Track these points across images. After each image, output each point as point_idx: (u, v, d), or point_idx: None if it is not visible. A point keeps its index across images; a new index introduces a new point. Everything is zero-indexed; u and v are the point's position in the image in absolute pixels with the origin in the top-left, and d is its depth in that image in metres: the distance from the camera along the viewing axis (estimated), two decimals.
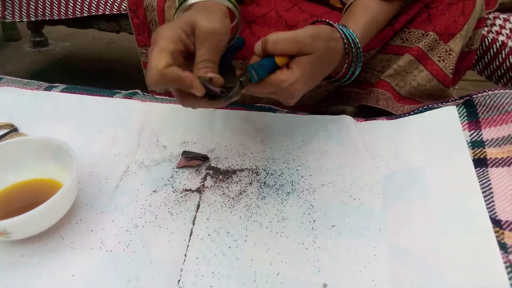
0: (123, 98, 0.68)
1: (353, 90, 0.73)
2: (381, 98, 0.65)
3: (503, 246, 0.43)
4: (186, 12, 0.48)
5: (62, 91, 0.69)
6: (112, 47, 1.97)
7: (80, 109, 0.66)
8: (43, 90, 0.69)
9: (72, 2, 1.03)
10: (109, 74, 1.70)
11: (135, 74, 0.82)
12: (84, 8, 1.03)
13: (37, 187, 0.54)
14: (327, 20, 0.53)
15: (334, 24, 0.52)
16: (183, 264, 0.47)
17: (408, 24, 0.63)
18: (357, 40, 0.53)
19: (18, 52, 1.89)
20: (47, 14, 1.05)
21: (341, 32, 0.51)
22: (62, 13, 1.04)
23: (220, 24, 0.45)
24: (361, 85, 0.71)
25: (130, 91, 0.70)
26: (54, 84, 0.71)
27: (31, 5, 1.05)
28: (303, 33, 0.46)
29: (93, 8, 1.03)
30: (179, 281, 0.45)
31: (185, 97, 0.45)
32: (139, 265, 0.47)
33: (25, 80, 0.73)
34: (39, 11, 1.06)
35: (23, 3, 1.05)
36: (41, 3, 1.04)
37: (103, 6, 1.02)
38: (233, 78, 0.46)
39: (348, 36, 0.52)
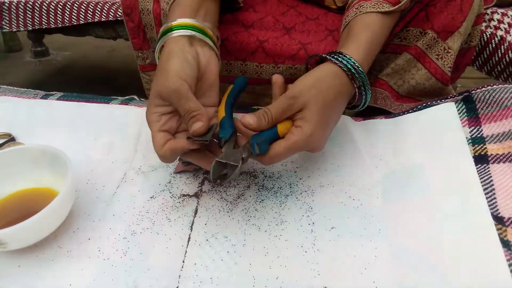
0: (119, 104, 0.67)
1: None
2: (379, 97, 0.65)
3: (506, 244, 0.42)
4: (153, 82, 0.50)
5: (58, 99, 0.69)
6: (112, 55, 1.98)
7: (76, 117, 0.66)
8: (40, 98, 0.69)
9: (69, 10, 1.04)
10: (111, 82, 1.71)
11: (136, 81, 0.82)
12: (81, 15, 1.04)
13: (33, 196, 0.54)
14: (323, 55, 0.52)
15: (331, 58, 0.50)
16: (181, 270, 0.46)
17: (405, 23, 0.62)
18: (358, 65, 0.50)
19: (19, 63, 1.90)
20: (43, 22, 1.05)
21: (339, 63, 0.50)
22: (58, 21, 1.05)
23: (177, 78, 0.47)
24: None
25: (127, 97, 0.70)
26: (51, 93, 0.71)
27: (27, 15, 1.06)
28: (293, 90, 0.48)
29: (89, 16, 1.03)
30: (177, 287, 0.45)
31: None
32: (136, 273, 0.46)
33: (22, 89, 0.73)
34: (35, 20, 1.06)
35: (19, 12, 1.06)
36: (38, 12, 1.05)
37: (99, 13, 1.02)
38: (234, 150, 0.47)
39: (348, 65, 0.50)
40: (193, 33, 0.52)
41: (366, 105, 0.55)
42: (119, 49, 1.99)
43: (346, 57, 0.50)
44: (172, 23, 0.52)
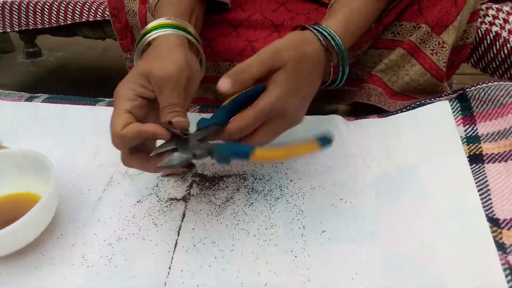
0: (106, 106, 0.66)
1: (345, 88, 0.71)
2: (373, 94, 0.63)
3: (501, 247, 0.41)
4: (140, 60, 0.47)
5: (43, 101, 0.67)
6: (106, 55, 1.96)
7: (62, 119, 0.65)
8: (25, 101, 0.68)
9: (56, 10, 1.02)
10: (104, 82, 1.68)
11: None
12: (68, 16, 1.02)
13: (16, 202, 0.52)
14: (303, 25, 0.50)
15: (308, 26, 0.48)
16: (167, 277, 0.45)
17: (399, 17, 0.61)
18: (333, 33, 0.48)
19: (12, 64, 1.88)
20: (30, 23, 1.04)
21: (314, 31, 0.48)
22: (45, 22, 1.03)
23: (174, 66, 0.44)
24: (353, 83, 0.69)
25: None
26: (36, 95, 0.69)
27: (14, 15, 1.04)
28: (264, 52, 0.44)
29: (77, 16, 1.01)
30: None
31: (132, 157, 0.44)
32: (121, 280, 0.45)
33: (6, 91, 0.71)
34: (22, 21, 1.04)
35: (5, 13, 1.04)
36: (24, 13, 1.03)
37: (86, 13, 1.00)
38: (202, 143, 0.43)
39: (325, 33, 0.48)
40: (192, 39, 0.50)
41: (342, 82, 0.53)
42: (113, 49, 1.97)
43: (323, 27, 0.48)
44: (171, 20, 0.49)
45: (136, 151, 0.45)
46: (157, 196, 0.54)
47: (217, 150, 0.42)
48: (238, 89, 0.42)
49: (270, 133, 0.46)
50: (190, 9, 0.54)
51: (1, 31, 1.07)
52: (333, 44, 0.48)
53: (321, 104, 0.74)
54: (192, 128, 0.45)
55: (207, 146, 0.43)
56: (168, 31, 0.48)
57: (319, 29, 0.48)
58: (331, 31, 0.48)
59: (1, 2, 1.05)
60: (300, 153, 0.46)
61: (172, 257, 0.47)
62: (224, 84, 0.41)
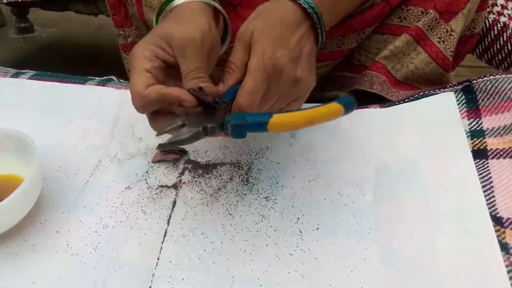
0: (96, 85, 0.63)
1: (346, 74, 0.68)
2: (376, 82, 0.61)
3: (504, 247, 0.40)
4: (160, 23, 0.44)
5: (30, 78, 0.64)
6: (99, 33, 1.92)
7: (49, 98, 0.61)
8: (10, 77, 0.64)
9: None
10: (97, 60, 1.65)
11: (122, 60, 0.77)
12: None
13: None
14: None
15: None
16: (155, 269, 0.43)
17: (406, 2, 0.58)
18: None
19: (3, 39, 1.83)
20: None
21: None
22: None
23: (197, 29, 0.41)
24: (355, 69, 0.66)
25: (104, 77, 0.65)
26: (23, 71, 0.66)
27: None
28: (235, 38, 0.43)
29: None
30: (150, 287, 0.41)
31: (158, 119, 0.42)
32: (106, 271, 0.43)
33: None
34: None
35: None
36: None
37: None
38: (211, 119, 0.39)
39: None
40: (217, 6, 0.47)
41: (322, 43, 0.49)
42: (106, 27, 1.92)
43: None
44: None
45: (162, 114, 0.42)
46: (147, 183, 0.52)
47: (230, 120, 0.38)
48: (231, 85, 0.42)
49: (282, 99, 0.44)
50: None
51: None
52: (307, 6, 0.45)
53: (320, 90, 0.72)
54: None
55: (218, 119, 0.39)
56: None
57: None
58: None
59: None
60: (323, 118, 0.41)
61: (161, 248, 0.45)
62: (218, 87, 0.41)
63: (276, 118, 0.38)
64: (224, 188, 0.50)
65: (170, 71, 0.43)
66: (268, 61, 0.40)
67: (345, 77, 0.68)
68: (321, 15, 0.46)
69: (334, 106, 0.41)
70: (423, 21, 0.57)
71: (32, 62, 1.67)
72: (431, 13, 0.56)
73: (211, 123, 0.38)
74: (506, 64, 0.71)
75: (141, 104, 0.39)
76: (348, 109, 0.42)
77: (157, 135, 0.40)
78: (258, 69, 0.40)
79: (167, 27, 0.42)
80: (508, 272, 0.37)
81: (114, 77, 0.66)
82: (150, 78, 0.39)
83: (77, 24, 1.96)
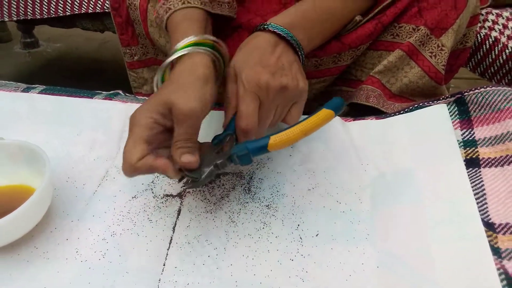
0: (103, 99, 0.65)
1: (343, 88, 0.71)
2: (371, 95, 0.63)
3: (496, 251, 0.41)
4: (163, 87, 0.46)
5: (40, 92, 0.67)
6: (104, 48, 1.95)
7: (58, 111, 0.64)
8: (21, 91, 0.67)
9: (55, 1, 1.01)
10: (102, 75, 1.68)
11: (127, 74, 0.80)
12: (67, 7, 1.01)
13: (9, 193, 0.52)
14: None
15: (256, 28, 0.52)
16: (161, 274, 0.45)
17: (398, 19, 0.61)
18: (275, 25, 0.51)
19: (9, 54, 1.87)
20: (29, 13, 1.03)
21: (259, 29, 0.51)
22: (44, 12, 1.02)
23: (199, 100, 0.43)
24: (351, 84, 0.69)
25: (111, 92, 0.68)
26: (33, 86, 0.68)
27: (12, 4, 1.03)
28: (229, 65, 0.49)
29: (76, 7, 1.00)
30: None
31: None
32: (114, 276, 0.45)
33: (2, 81, 0.70)
34: (21, 11, 1.03)
35: (4, 2, 1.03)
36: (23, 2, 1.02)
37: (86, 5, 0.99)
38: (211, 157, 0.44)
39: (266, 26, 0.51)
40: (219, 57, 0.50)
41: (303, 60, 0.54)
42: (112, 41, 1.96)
43: (265, 24, 0.51)
44: (198, 38, 0.48)
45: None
46: (153, 192, 0.54)
47: (235, 152, 0.43)
48: (231, 116, 0.47)
49: (281, 108, 0.48)
50: (205, 21, 0.54)
51: None
52: (279, 31, 0.50)
53: (317, 104, 0.74)
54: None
55: (225, 154, 0.44)
56: (197, 49, 0.47)
57: (261, 26, 0.52)
58: (274, 24, 0.51)
59: None
60: (317, 126, 0.45)
61: (167, 254, 0.46)
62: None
63: (274, 139, 0.43)
64: (227, 197, 0.52)
65: (171, 131, 0.45)
66: (251, 82, 0.45)
67: (342, 92, 0.71)
68: (295, 37, 0.51)
69: (324, 112, 0.45)
70: (415, 37, 0.59)
71: (38, 76, 1.70)
72: (422, 30, 0.59)
73: (221, 159, 0.44)
74: (498, 77, 0.73)
75: (130, 173, 0.43)
76: (337, 110, 0.46)
77: (179, 181, 0.45)
78: (245, 93, 0.45)
79: (170, 94, 0.43)
80: (500, 275, 0.39)
81: (120, 91, 0.68)
82: (145, 149, 0.42)
83: (82, 39, 1.99)
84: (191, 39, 0.48)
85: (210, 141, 0.47)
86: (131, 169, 0.42)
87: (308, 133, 0.44)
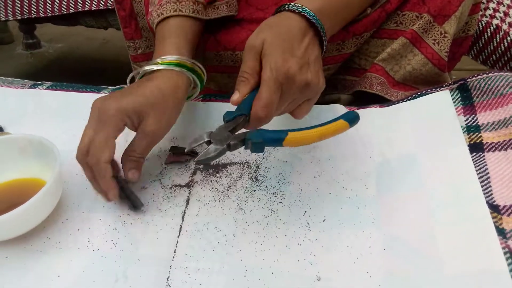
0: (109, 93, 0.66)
1: (347, 77, 0.71)
2: (375, 83, 0.64)
3: (501, 232, 0.42)
4: (138, 95, 0.49)
5: (47, 88, 0.68)
6: (105, 47, 1.96)
7: (66, 106, 0.65)
8: (28, 88, 0.68)
9: None
10: (103, 74, 1.69)
11: (129, 72, 0.80)
12: (70, 4, 1.02)
13: (21, 186, 0.53)
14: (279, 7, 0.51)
15: (284, 8, 0.50)
16: (172, 260, 0.45)
17: (401, 7, 0.61)
18: (308, 10, 0.49)
19: (11, 55, 1.88)
20: (33, 11, 1.03)
21: (291, 10, 0.49)
22: (48, 10, 1.03)
23: (168, 126, 0.51)
24: (355, 72, 0.69)
25: (117, 86, 0.68)
26: (40, 82, 0.69)
27: (16, 3, 1.03)
28: (245, 49, 0.47)
29: (80, 4, 1.01)
30: (168, 278, 0.44)
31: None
32: (126, 263, 0.45)
33: (10, 78, 0.71)
34: (25, 9, 1.04)
35: (8, 2, 1.04)
36: (27, 1, 1.03)
37: (89, 2, 1.00)
38: (225, 134, 0.44)
39: (299, 9, 0.49)
40: (196, 80, 0.55)
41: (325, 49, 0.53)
42: (112, 40, 1.97)
43: (296, 5, 0.49)
44: (179, 59, 0.53)
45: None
46: (161, 183, 0.55)
47: (251, 138, 0.43)
48: (246, 93, 0.45)
49: (295, 102, 0.48)
50: (192, 35, 0.57)
51: (3, 19, 1.06)
52: (310, 16, 0.49)
53: (323, 94, 0.75)
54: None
55: (239, 136, 0.44)
56: (178, 69, 0.52)
57: (294, 8, 0.49)
58: (306, 8, 0.49)
59: None
60: (331, 134, 0.46)
61: (177, 241, 0.47)
62: (233, 97, 0.45)
63: (291, 136, 0.43)
64: (235, 186, 0.53)
65: None
66: (280, 71, 0.44)
67: (346, 80, 0.71)
68: (323, 25, 0.49)
69: (341, 123, 0.46)
70: (418, 25, 0.60)
71: (41, 76, 1.69)
72: (425, 17, 0.59)
73: (234, 140, 0.43)
74: (500, 64, 0.74)
75: (96, 166, 0.47)
76: (352, 123, 0.47)
77: (186, 151, 0.46)
78: (272, 79, 0.44)
79: (146, 106, 0.49)
80: (505, 253, 0.40)
81: (126, 86, 0.69)
82: (114, 148, 0.48)
83: (83, 38, 2.00)
84: (173, 58, 0.52)
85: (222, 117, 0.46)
86: (98, 166, 0.47)
87: (323, 138, 0.46)
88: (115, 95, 0.49)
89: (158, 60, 0.52)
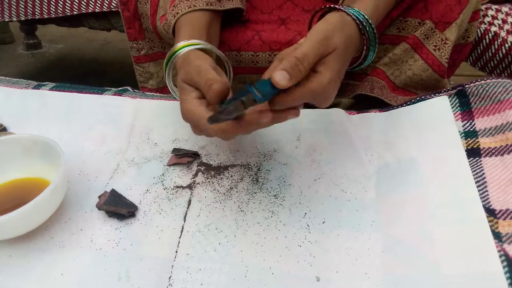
0: (113, 95, 0.67)
1: (349, 82, 0.72)
2: (376, 87, 0.65)
3: (497, 236, 0.43)
4: (178, 76, 0.50)
5: (51, 89, 0.68)
6: (106, 48, 1.97)
7: (69, 107, 0.65)
8: (32, 88, 0.68)
9: (62, 0, 1.02)
10: (104, 75, 1.70)
11: (129, 74, 0.81)
12: (74, 6, 1.03)
13: (25, 186, 0.53)
14: (332, 5, 0.50)
15: (341, 8, 0.49)
16: (174, 260, 0.46)
17: (404, 13, 0.62)
18: (367, 17, 0.49)
19: (12, 55, 1.88)
20: (37, 13, 1.04)
21: (351, 14, 0.48)
22: (52, 12, 1.03)
23: (203, 61, 0.48)
24: (357, 77, 0.70)
25: (120, 88, 0.69)
26: (43, 83, 0.70)
27: (20, 4, 1.04)
28: (316, 39, 0.43)
29: (83, 6, 1.02)
30: (170, 277, 0.45)
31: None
32: (129, 263, 0.46)
33: (14, 79, 0.72)
34: (28, 10, 1.05)
35: (12, 2, 1.04)
36: (31, 2, 1.04)
37: (93, 4, 1.01)
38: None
39: (358, 16, 0.48)
40: (217, 53, 0.54)
41: (369, 61, 0.53)
42: (113, 42, 1.98)
43: (356, 10, 0.48)
44: (193, 41, 0.52)
45: None
46: (163, 184, 0.56)
47: (255, 86, 0.39)
48: (295, 82, 0.40)
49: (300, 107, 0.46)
50: (207, 26, 0.57)
51: (7, 19, 1.07)
52: (366, 24, 0.49)
53: None
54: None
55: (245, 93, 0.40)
56: (195, 47, 0.52)
57: (355, 13, 0.48)
58: (361, 13, 0.49)
59: None
60: None
61: (179, 242, 0.48)
62: (282, 79, 0.39)
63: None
64: (236, 188, 0.54)
65: None
66: (329, 88, 0.43)
67: (348, 85, 0.72)
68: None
69: None
70: (420, 31, 0.61)
71: (41, 77, 1.71)
72: (427, 24, 0.60)
73: (243, 97, 0.39)
74: (498, 70, 0.75)
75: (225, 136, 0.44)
76: None
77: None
78: (318, 91, 0.42)
79: (184, 74, 0.48)
80: (500, 256, 0.40)
81: (129, 88, 0.70)
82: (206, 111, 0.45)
83: (83, 39, 2.01)
84: (190, 41, 0.52)
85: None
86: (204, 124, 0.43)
87: None
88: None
89: (178, 45, 0.52)
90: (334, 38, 0.44)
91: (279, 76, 0.39)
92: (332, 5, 0.51)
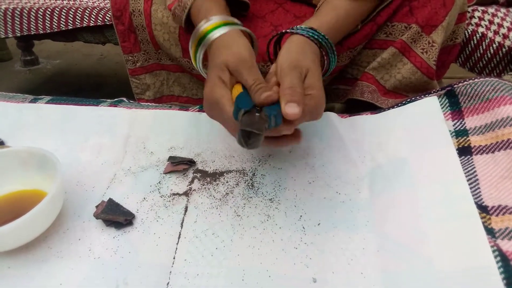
0: (108, 106, 0.68)
1: (340, 87, 0.73)
2: (366, 91, 0.66)
3: (490, 231, 0.43)
4: (211, 59, 0.51)
5: (47, 102, 0.69)
6: (102, 62, 1.98)
7: (65, 119, 0.66)
8: (29, 102, 0.69)
9: (57, 15, 1.04)
10: (100, 89, 1.71)
11: (126, 87, 0.82)
12: (69, 21, 1.04)
13: (22, 198, 0.54)
14: (287, 30, 0.55)
15: (293, 31, 0.54)
16: (171, 266, 0.47)
17: (391, 18, 0.64)
18: (318, 32, 0.53)
19: (9, 72, 1.90)
20: (32, 28, 1.05)
21: (304, 34, 0.53)
22: (47, 27, 1.05)
23: (245, 50, 0.49)
24: (348, 82, 0.72)
25: (116, 99, 0.70)
26: (40, 97, 0.71)
27: (15, 21, 1.06)
28: (290, 58, 0.48)
29: (78, 21, 1.03)
30: (168, 283, 0.45)
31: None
32: (127, 270, 0.46)
33: (10, 93, 0.73)
34: (24, 26, 1.06)
35: (7, 19, 1.06)
36: (26, 18, 1.05)
37: (87, 18, 1.03)
38: (255, 120, 0.43)
39: (312, 34, 0.53)
40: (246, 30, 0.55)
41: (331, 70, 0.57)
42: (109, 56, 2.00)
43: (303, 29, 0.53)
44: (224, 19, 0.54)
45: None
46: (160, 192, 0.56)
47: (272, 113, 0.43)
48: (302, 107, 0.44)
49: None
50: (225, 4, 0.59)
51: (3, 36, 1.08)
52: (320, 40, 0.54)
53: None
54: None
55: (259, 118, 0.43)
56: (226, 28, 0.53)
57: (307, 32, 0.53)
58: (315, 31, 0.54)
59: (3, 9, 1.07)
60: None
61: (176, 248, 0.48)
62: (295, 108, 0.43)
63: None
64: (232, 193, 0.55)
65: None
66: (319, 104, 0.47)
67: (339, 90, 0.73)
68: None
69: None
70: (407, 35, 0.62)
71: (39, 92, 1.70)
72: (414, 27, 0.62)
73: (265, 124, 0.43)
74: (487, 71, 0.76)
75: (232, 124, 0.47)
76: None
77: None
78: (313, 110, 0.47)
79: (220, 58, 0.49)
80: (494, 251, 0.41)
81: (124, 99, 0.71)
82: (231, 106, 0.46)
83: (80, 55, 2.03)
84: (221, 19, 0.54)
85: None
86: (233, 123, 0.46)
87: None
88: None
89: (206, 25, 0.53)
90: (302, 62, 0.48)
91: (290, 108, 0.42)
92: (283, 31, 0.56)
